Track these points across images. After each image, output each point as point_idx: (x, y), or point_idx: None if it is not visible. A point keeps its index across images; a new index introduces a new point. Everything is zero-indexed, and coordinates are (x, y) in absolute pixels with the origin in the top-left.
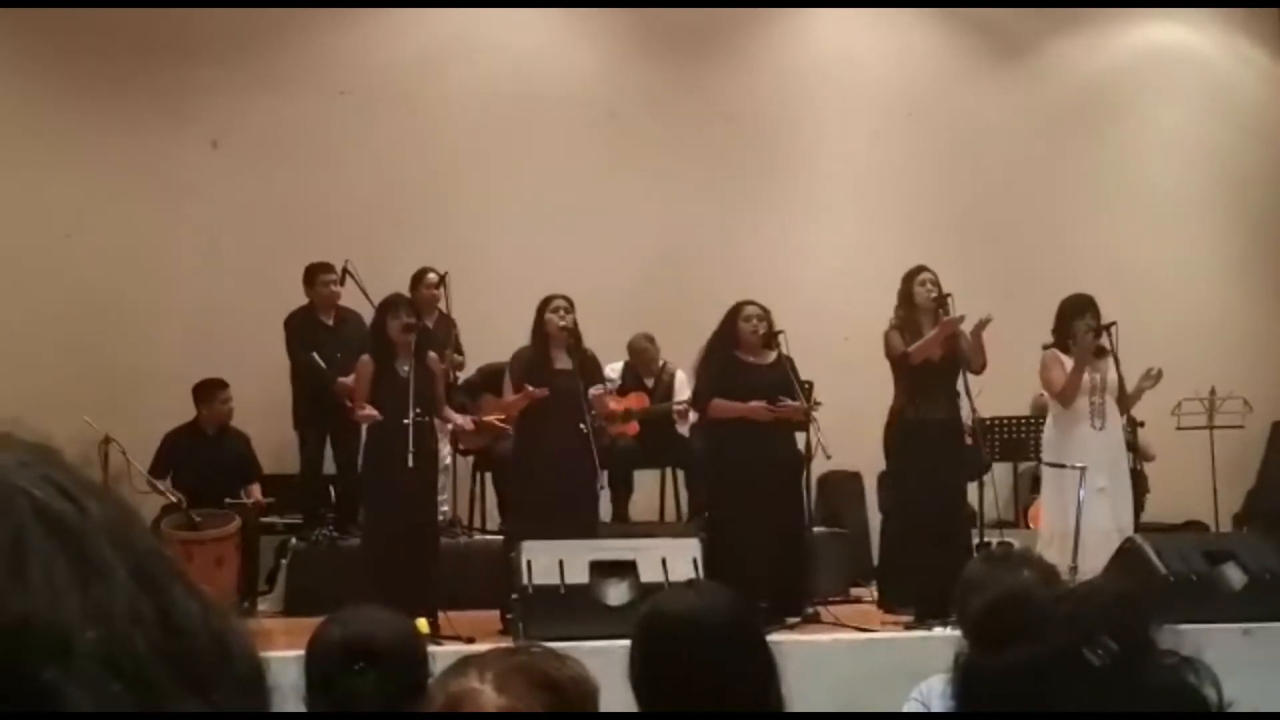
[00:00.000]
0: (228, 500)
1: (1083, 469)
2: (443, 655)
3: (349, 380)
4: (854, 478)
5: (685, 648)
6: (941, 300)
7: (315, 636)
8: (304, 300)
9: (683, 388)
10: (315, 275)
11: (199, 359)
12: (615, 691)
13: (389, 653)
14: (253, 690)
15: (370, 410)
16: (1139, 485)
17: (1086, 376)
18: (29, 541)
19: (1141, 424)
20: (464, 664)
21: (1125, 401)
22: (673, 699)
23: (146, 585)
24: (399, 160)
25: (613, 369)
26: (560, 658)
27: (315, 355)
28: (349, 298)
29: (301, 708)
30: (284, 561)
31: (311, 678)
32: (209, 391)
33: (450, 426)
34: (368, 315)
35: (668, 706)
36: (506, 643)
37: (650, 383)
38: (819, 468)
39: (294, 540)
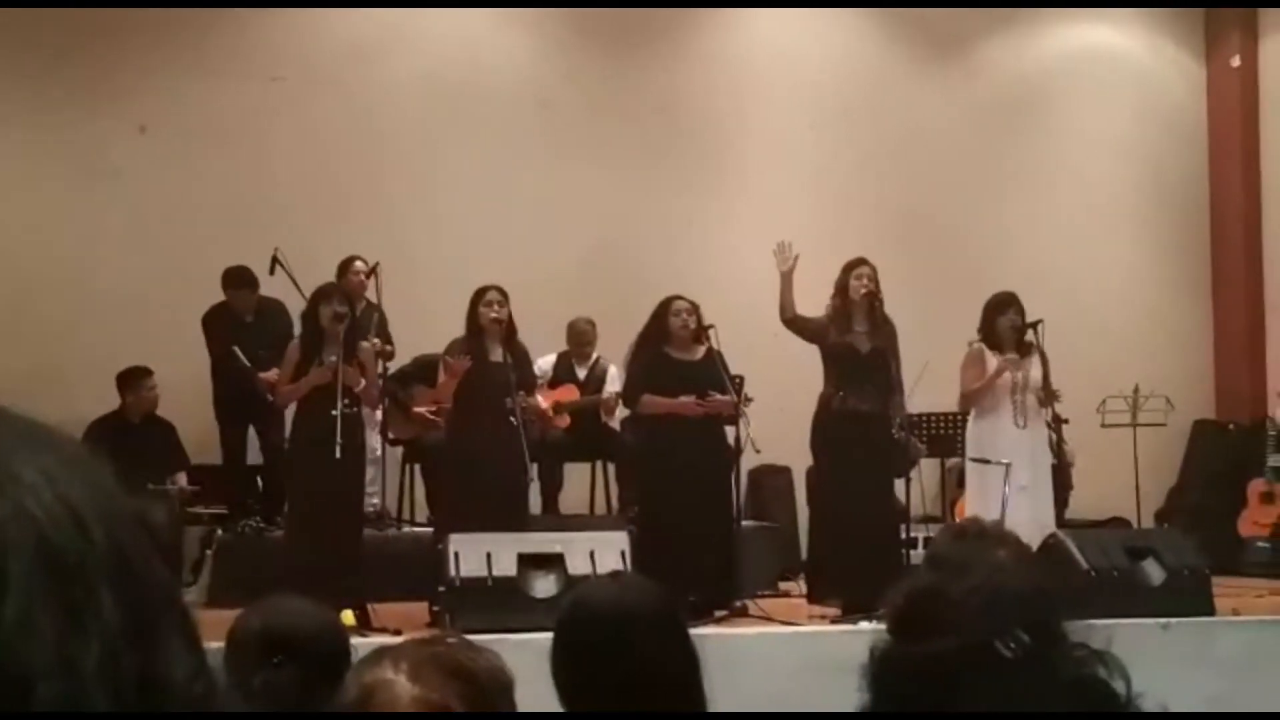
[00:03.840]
0: (152, 490)
1: (1008, 465)
2: (369, 647)
3: (271, 375)
4: (784, 472)
5: (607, 639)
6: (873, 295)
7: (235, 627)
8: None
9: (613, 381)
10: (237, 284)
11: (124, 347)
12: (543, 684)
13: (310, 644)
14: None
15: (291, 387)
16: (1062, 483)
17: (1009, 375)
18: (15, 573)
19: (1066, 421)
20: (379, 655)
21: (1047, 398)
22: (594, 690)
23: (137, 637)
24: (332, 148)
25: (545, 361)
26: (476, 648)
27: (237, 350)
28: (272, 287)
29: None
30: (209, 552)
31: (231, 669)
32: (134, 380)
33: (379, 416)
34: (294, 305)
35: (588, 698)
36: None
37: (582, 374)
38: (749, 462)
39: (220, 531)
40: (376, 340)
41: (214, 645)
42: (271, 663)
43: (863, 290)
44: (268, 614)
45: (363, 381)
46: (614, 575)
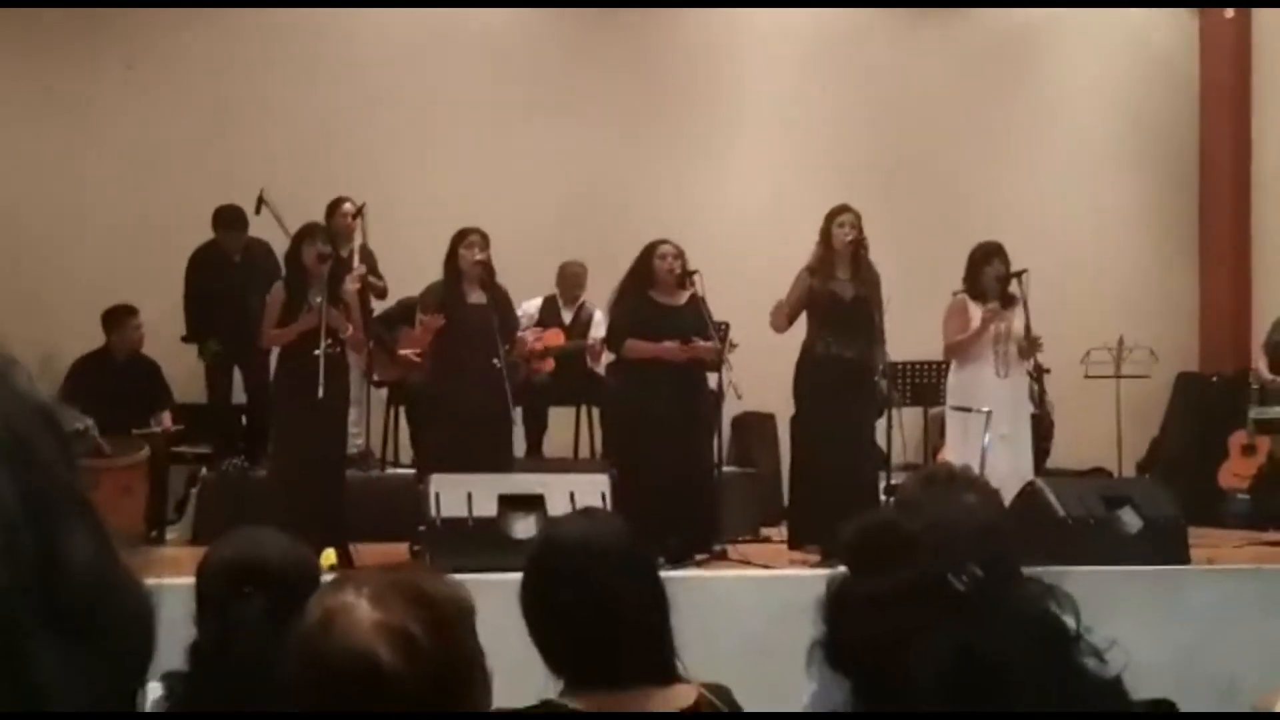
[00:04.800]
0: (136, 429)
1: (988, 413)
2: None
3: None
4: (768, 419)
5: (575, 574)
6: (858, 243)
7: (206, 558)
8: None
9: (599, 326)
10: (227, 224)
11: (109, 285)
12: (517, 620)
13: (280, 575)
14: (136, 641)
15: (278, 331)
16: (1043, 433)
17: (992, 325)
18: None
19: (1047, 370)
20: (341, 580)
21: (1028, 349)
22: (561, 625)
23: (37, 518)
24: (319, 90)
25: (531, 305)
26: (437, 576)
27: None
28: (258, 227)
29: (190, 632)
30: (193, 491)
31: (201, 599)
32: (118, 318)
33: (363, 358)
34: (279, 244)
35: (556, 632)
36: None
37: (568, 318)
38: (733, 409)
39: (204, 470)
40: (363, 266)
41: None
42: (242, 593)
43: (847, 238)
44: (238, 545)
45: (350, 326)
46: (585, 512)
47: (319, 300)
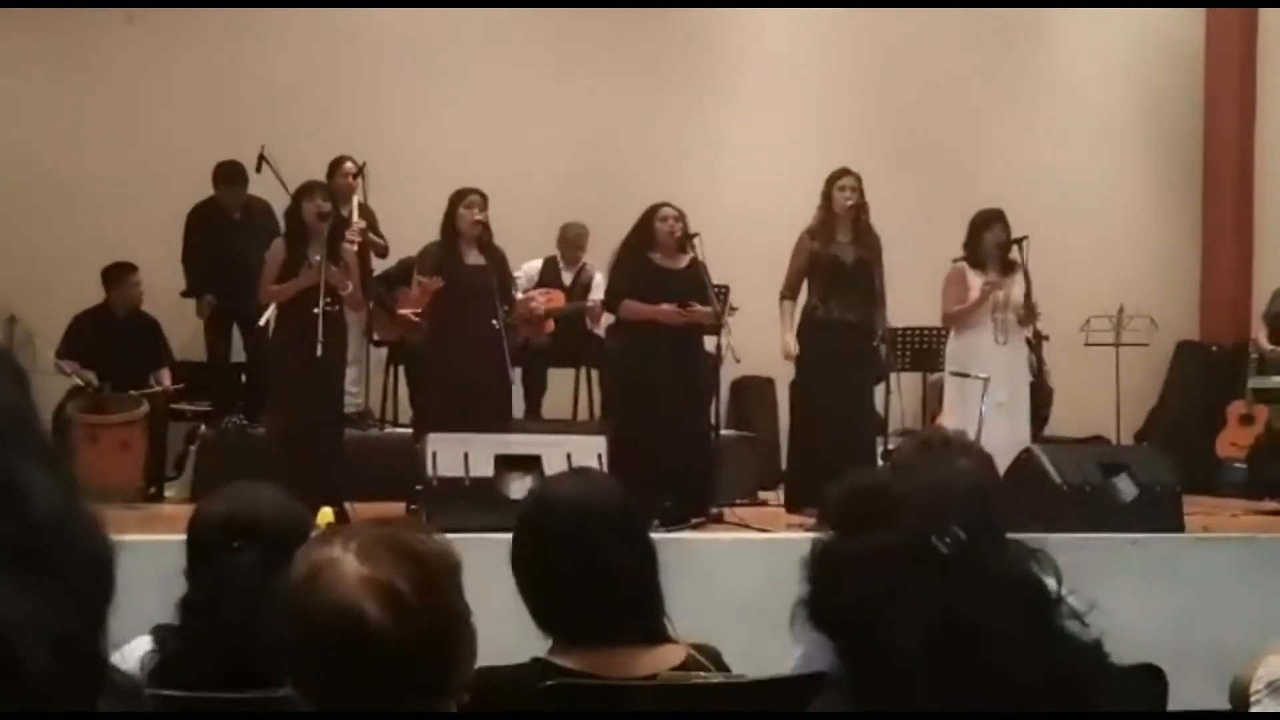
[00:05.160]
0: (136, 387)
1: (986, 379)
2: None
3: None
4: (767, 383)
5: (565, 532)
6: (859, 207)
7: (197, 512)
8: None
9: (599, 288)
10: (228, 180)
11: (110, 242)
12: (510, 579)
13: (272, 530)
14: (95, 573)
15: (277, 288)
16: (1042, 400)
17: (990, 296)
18: None
19: (1046, 338)
20: (330, 534)
21: (1026, 317)
22: (551, 583)
23: None
24: (321, 45)
25: (531, 266)
26: (425, 532)
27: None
28: (259, 184)
29: (181, 586)
30: (192, 448)
31: (192, 554)
32: (119, 275)
33: (363, 317)
34: (279, 203)
35: (545, 591)
36: None
37: (568, 279)
38: (732, 373)
39: (203, 427)
40: (362, 222)
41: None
42: (233, 547)
43: (848, 202)
44: (231, 500)
45: (349, 284)
46: (576, 472)
47: (318, 258)
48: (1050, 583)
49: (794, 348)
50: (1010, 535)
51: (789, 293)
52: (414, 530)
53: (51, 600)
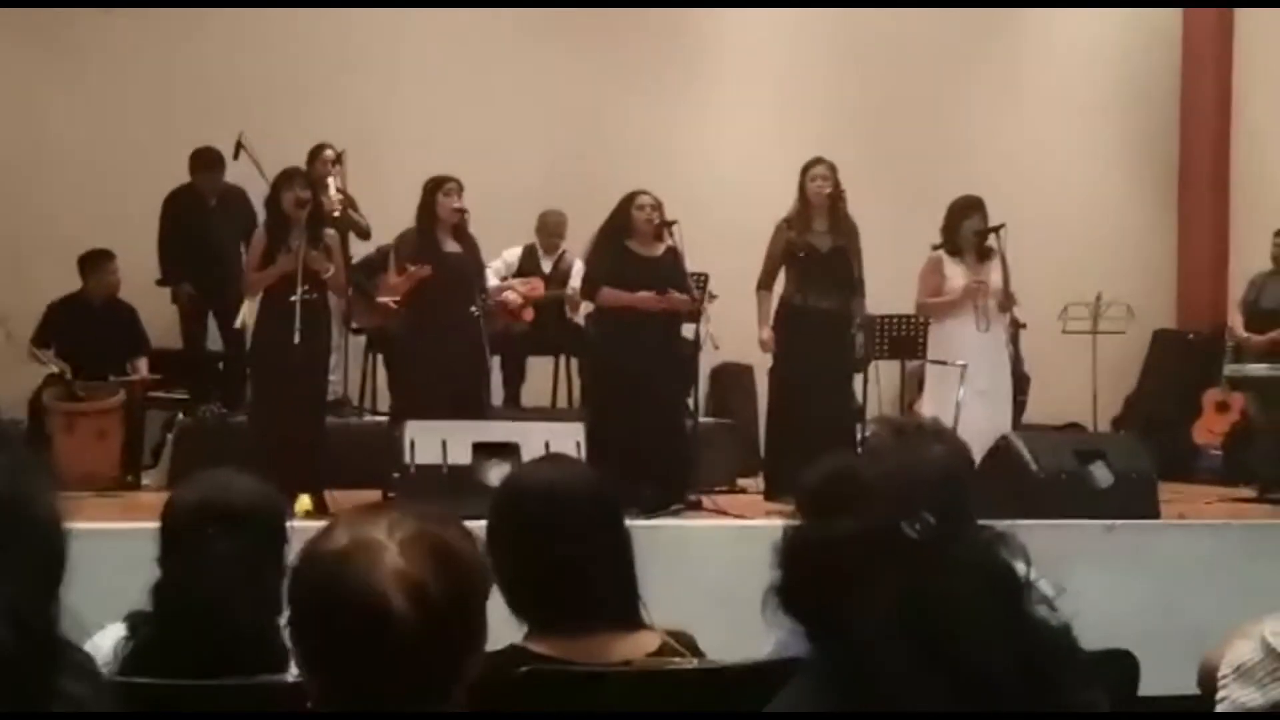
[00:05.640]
0: (113, 375)
1: (963, 367)
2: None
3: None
4: (746, 371)
5: (539, 519)
6: (835, 196)
7: (171, 499)
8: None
9: (578, 276)
10: (205, 166)
11: (86, 229)
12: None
13: (245, 517)
14: (45, 552)
15: (259, 275)
16: (1019, 388)
17: (972, 278)
18: None
19: (1024, 325)
20: (377, 513)
21: (1006, 301)
22: (525, 570)
23: None
24: (300, 31)
25: (510, 253)
26: (471, 540)
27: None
28: (237, 172)
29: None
30: (169, 436)
31: (166, 540)
32: (96, 262)
33: (343, 304)
34: (255, 189)
35: (519, 577)
36: None
37: (547, 267)
38: (711, 360)
39: (180, 415)
40: (340, 194)
41: None
42: (206, 534)
43: (825, 191)
44: (204, 487)
45: (330, 267)
46: (550, 458)
47: (297, 244)
48: (1019, 567)
49: (770, 338)
50: (981, 521)
51: (765, 282)
52: (458, 532)
53: (3, 578)
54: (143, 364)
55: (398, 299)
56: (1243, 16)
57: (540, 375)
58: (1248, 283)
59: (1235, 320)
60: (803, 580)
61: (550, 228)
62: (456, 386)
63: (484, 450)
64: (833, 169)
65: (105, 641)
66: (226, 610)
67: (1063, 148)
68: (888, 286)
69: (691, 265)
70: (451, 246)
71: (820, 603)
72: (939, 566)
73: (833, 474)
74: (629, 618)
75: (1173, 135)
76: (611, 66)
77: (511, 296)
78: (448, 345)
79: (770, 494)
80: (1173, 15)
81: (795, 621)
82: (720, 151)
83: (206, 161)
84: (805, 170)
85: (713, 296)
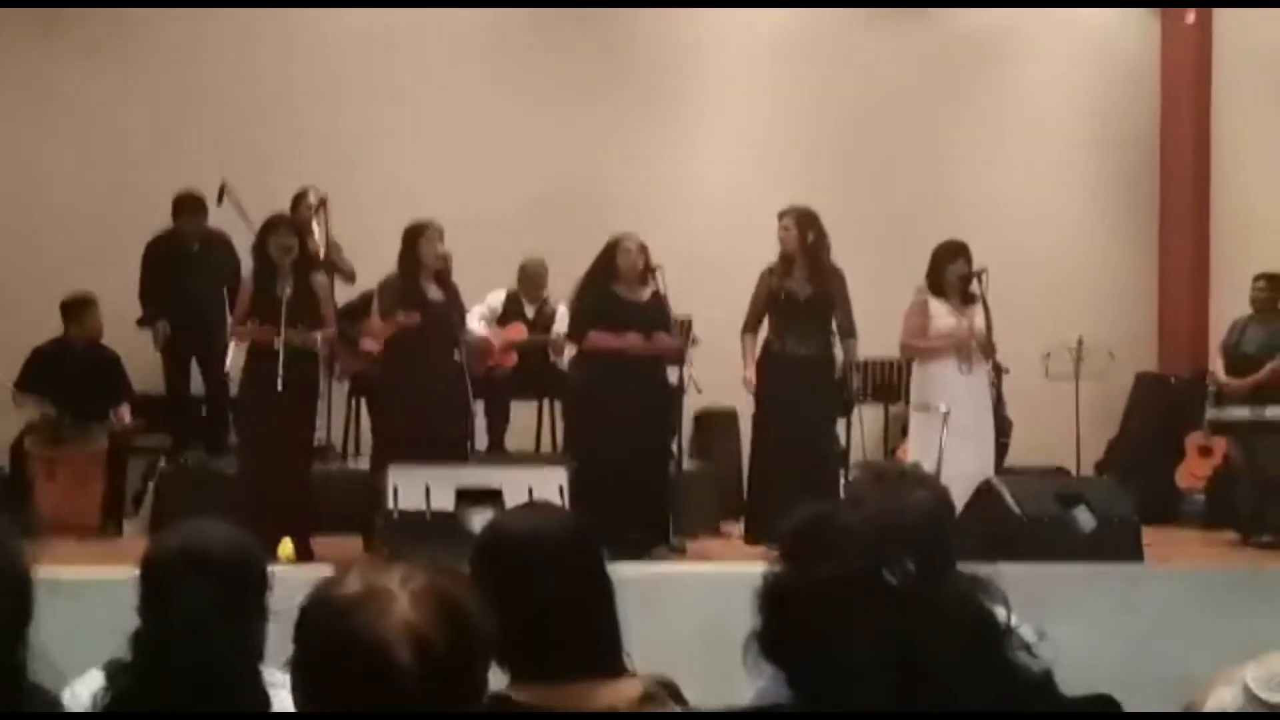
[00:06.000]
0: (95, 420)
1: (946, 412)
2: (305, 577)
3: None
4: (729, 415)
5: (520, 567)
6: (816, 243)
7: (150, 548)
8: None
9: (562, 321)
10: (188, 210)
11: (69, 274)
12: None
13: (225, 566)
14: (7, 596)
15: (242, 328)
16: (1001, 432)
17: (954, 322)
18: None
19: (1006, 370)
20: (391, 564)
21: (988, 348)
22: (506, 618)
23: None
24: (283, 77)
25: (495, 298)
26: (479, 600)
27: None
28: (220, 217)
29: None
30: (151, 483)
31: (145, 589)
32: (78, 308)
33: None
34: (239, 234)
35: (502, 625)
36: None
37: (531, 313)
38: (694, 404)
39: (162, 462)
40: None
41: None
42: (186, 583)
43: (790, 241)
44: (184, 536)
45: (318, 338)
46: (531, 505)
47: (287, 290)
48: (999, 613)
49: (753, 377)
50: (962, 565)
51: (750, 325)
52: (469, 591)
53: None
54: (125, 410)
55: (379, 345)
56: (1220, 60)
57: (524, 419)
58: (1229, 327)
59: (1217, 364)
60: (783, 626)
61: (532, 277)
62: (439, 432)
63: (467, 496)
64: (798, 219)
65: (84, 690)
66: (207, 659)
67: (1043, 193)
68: (870, 330)
69: (674, 309)
70: (434, 293)
71: (801, 649)
72: (919, 613)
73: (813, 520)
74: (612, 665)
75: (1153, 180)
76: (592, 113)
77: (488, 348)
78: (431, 391)
79: (751, 539)
80: (1152, 60)
81: (776, 668)
82: (702, 196)
83: (189, 206)
84: (779, 219)
85: (696, 341)
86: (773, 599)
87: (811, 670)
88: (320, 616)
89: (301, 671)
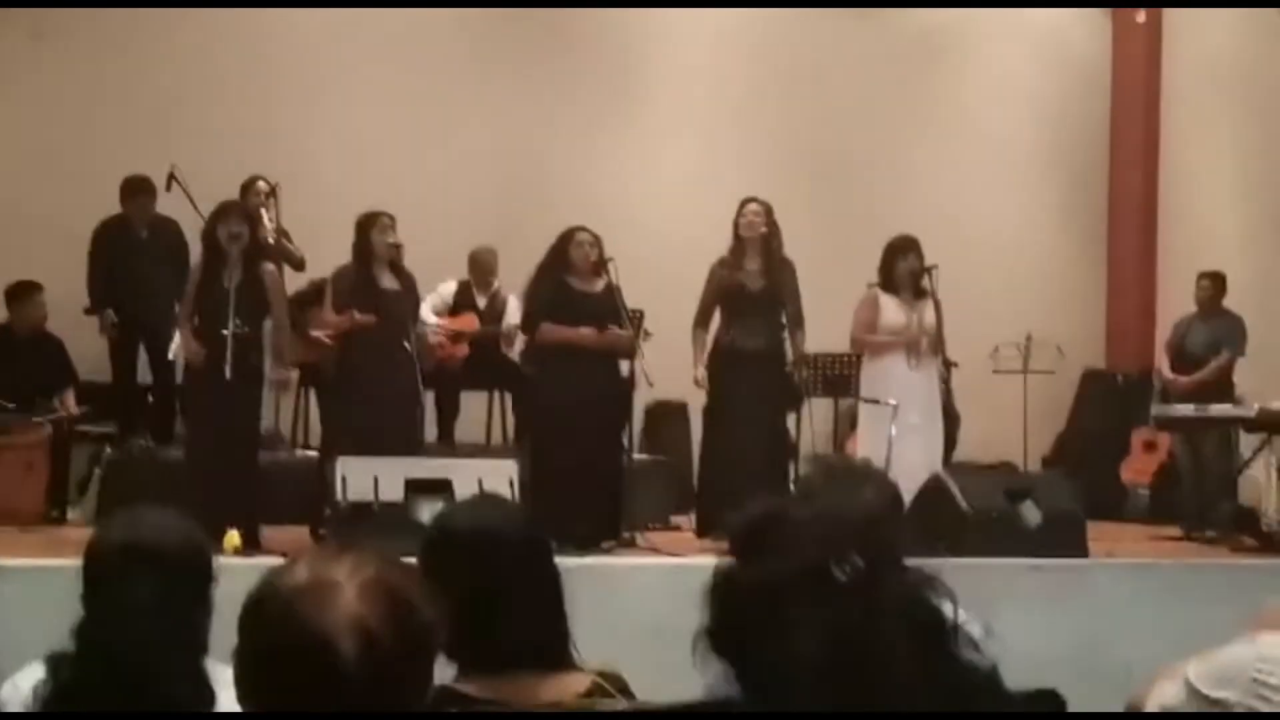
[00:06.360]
0: (39, 407)
1: (894, 406)
2: (253, 568)
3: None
4: (681, 408)
5: (468, 559)
6: (769, 236)
7: (94, 539)
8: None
9: (514, 312)
10: (135, 193)
11: (12, 261)
12: None
13: (169, 557)
14: None
15: (186, 337)
16: (950, 426)
17: (904, 317)
18: None
19: (955, 364)
20: (342, 553)
21: (938, 344)
22: (453, 610)
23: None
24: (233, 62)
25: (445, 288)
26: (427, 595)
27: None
28: (169, 203)
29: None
30: (96, 470)
31: (89, 580)
32: (22, 294)
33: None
34: (186, 221)
35: (450, 620)
36: None
37: (482, 303)
38: (646, 397)
39: (108, 449)
40: (274, 225)
41: None
42: (129, 574)
43: (759, 230)
44: (128, 526)
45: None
46: (480, 498)
47: (232, 279)
48: (947, 609)
49: (703, 376)
50: (910, 561)
51: (700, 321)
52: (418, 585)
53: None
54: (70, 397)
55: (331, 335)
56: (1170, 61)
57: (474, 410)
58: (1174, 325)
59: (1162, 362)
60: (732, 621)
61: (482, 265)
62: (390, 422)
63: (416, 487)
64: (767, 208)
65: (25, 682)
66: (150, 651)
67: (995, 191)
68: (820, 325)
69: (626, 302)
70: (388, 282)
71: (748, 644)
72: (867, 609)
73: (762, 515)
74: (558, 659)
75: (1102, 179)
76: (544, 104)
77: (439, 340)
78: (382, 381)
79: (702, 532)
80: (1103, 60)
81: (724, 663)
82: (653, 190)
83: (137, 188)
84: (740, 208)
85: (648, 334)
86: (720, 593)
87: (758, 666)
88: (265, 607)
89: (244, 663)
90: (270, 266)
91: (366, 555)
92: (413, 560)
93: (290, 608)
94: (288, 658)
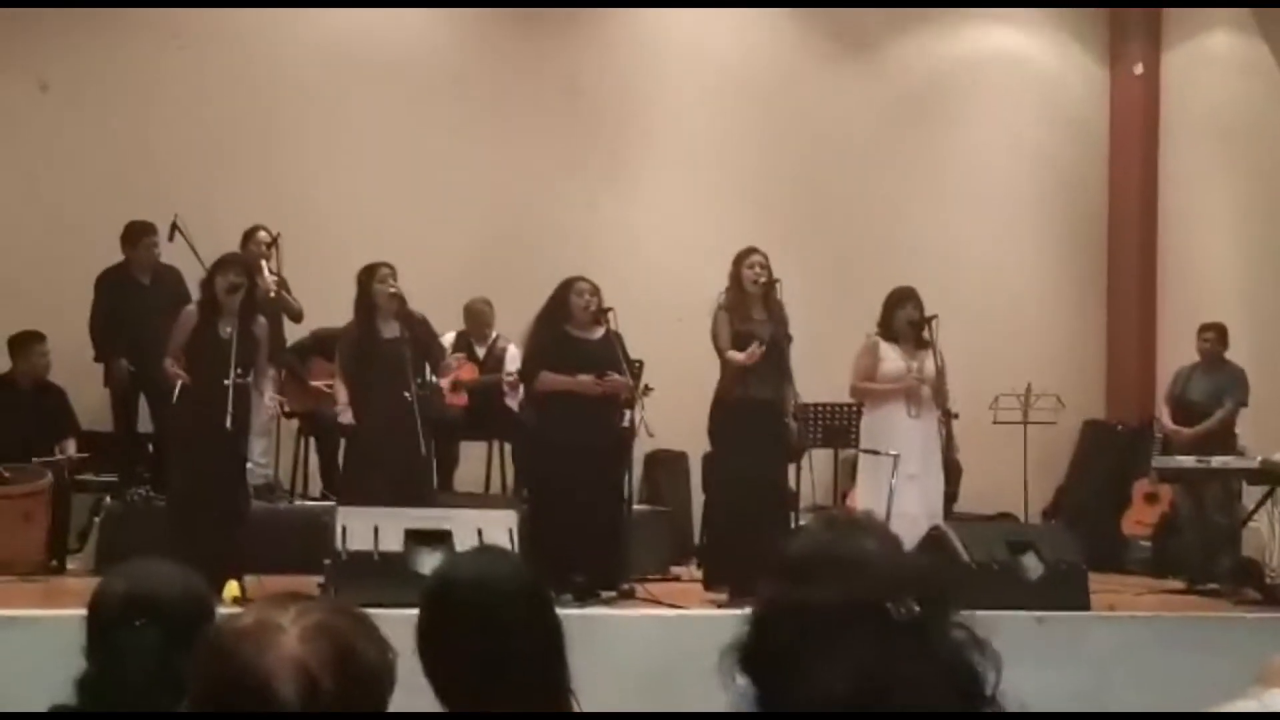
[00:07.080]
0: (37, 458)
1: (895, 456)
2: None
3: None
4: (680, 457)
5: (469, 611)
6: (770, 285)
7: (98, 590)
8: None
9: (513, 361)
10: (139, 237)
11: (16, 310)
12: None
13: (172, 608)
14: None
15: (177, 370)
16: (950, 477)
17: (904, 365)
18: None
19: (956, 415)
20: (288, 601)
21: (940, 395)
22: (454, 662)
23: None
24: (234, 114)
25: (444, 339)
26: (378, 640)
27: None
28: (172, 254)
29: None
30: (96, 520)
31: (92, 632)
32: (25, 344)
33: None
34: (189, 271)
35: (449, 669)
36: None
37: (481, 353)
38: (645, 446)
39: (108, 499)
40: (274, 277)
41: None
42: (133, 625)
43: (760, 280)
44: (131, 577)
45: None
46: (481, 550)
47: (229, 330)
48: (990, 675)
49: (753, 353)
50: (963, 617)
51: (729, 347)
52: (366, 633)
53: None
54: (71, 446)
55: (330, 383)
56: (1169, 111)
57: (474, 460)
58: (1174, 375)
59: (1163, 412)
60: (769, 641)
61: (476, 317)
62: (394, 473)
63: (416, 537)
64: (766, 258)
65: None
66: (153, 704)
67: (994, 241)
68: (819, 375)
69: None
70: (390, 332)
71: (782, 666)
72: (910, 654)
73: (828, 542)
74: (557, 710)
75: (1101, 230)
76: (546, 154)
77: (445, 384)
78: (384, 432)
79: (709, 584)
80: (1101, 113)
81: (752, 682)
82: (652, 239)
83: (140, 232)
84: (741, 258)
85: (649, 389)
86: (767, 613)
87: (786, 689)
88: (210, 648)
89: (194, 702)
90: (262, 319)
91: (314, 602)
92: (415, 610)
93: (234, 648)
94: (230, 697)
